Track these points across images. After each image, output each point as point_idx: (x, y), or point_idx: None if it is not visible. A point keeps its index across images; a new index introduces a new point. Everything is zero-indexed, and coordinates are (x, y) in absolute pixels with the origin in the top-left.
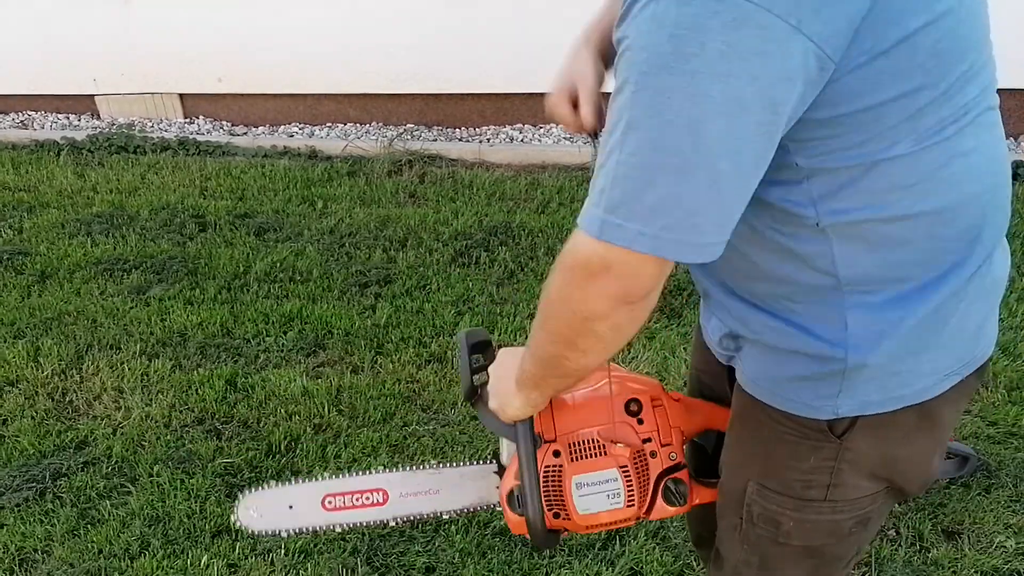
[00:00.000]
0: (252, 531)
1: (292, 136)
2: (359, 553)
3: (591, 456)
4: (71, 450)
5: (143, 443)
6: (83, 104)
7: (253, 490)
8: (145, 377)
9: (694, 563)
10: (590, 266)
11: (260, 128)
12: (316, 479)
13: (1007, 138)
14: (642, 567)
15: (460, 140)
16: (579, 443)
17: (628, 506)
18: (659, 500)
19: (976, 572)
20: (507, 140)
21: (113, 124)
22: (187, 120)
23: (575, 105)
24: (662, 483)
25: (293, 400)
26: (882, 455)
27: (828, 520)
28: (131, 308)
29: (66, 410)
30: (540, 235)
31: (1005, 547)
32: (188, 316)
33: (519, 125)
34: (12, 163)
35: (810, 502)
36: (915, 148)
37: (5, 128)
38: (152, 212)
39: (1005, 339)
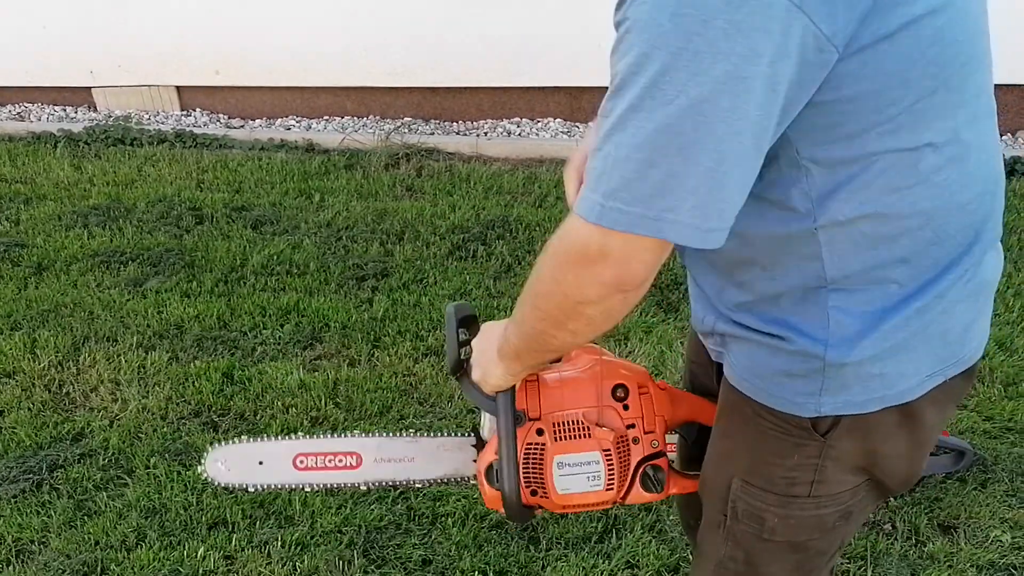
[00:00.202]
0: (218, 483)
1: (289, 129)
2: (355, 545)
3: (575, 437)
4: (68, 442)
5: (140, 435)
6: (80, 96)
7: (222, 443)
8: (142, 369)
9: (690, 556)
10: (587, 253)
11: (257, 121)
12: (289, 438)
13: (1004, 134)
14: (638, 560)
15: (457, 134)
16: (563, 423)
17: (607, 489)
18: (636, 486)
19: (972, 566)
20: (504, 134)
21: (110, 116)
22: (184, 112)
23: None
24: (641, 469)
25: (290, 393)
26: (864, 450)
27: (812, 515)
28: (128, 300)
29: (63, 402)
30: (537, 229)
31: (1001, 541)
32: (185, 308)
33: (516, 119)
34: (9, 155)
35: (794, 498)
36: (915, 144)
37: (2, 120)
38: (149, 204)
39: (1001, 334)
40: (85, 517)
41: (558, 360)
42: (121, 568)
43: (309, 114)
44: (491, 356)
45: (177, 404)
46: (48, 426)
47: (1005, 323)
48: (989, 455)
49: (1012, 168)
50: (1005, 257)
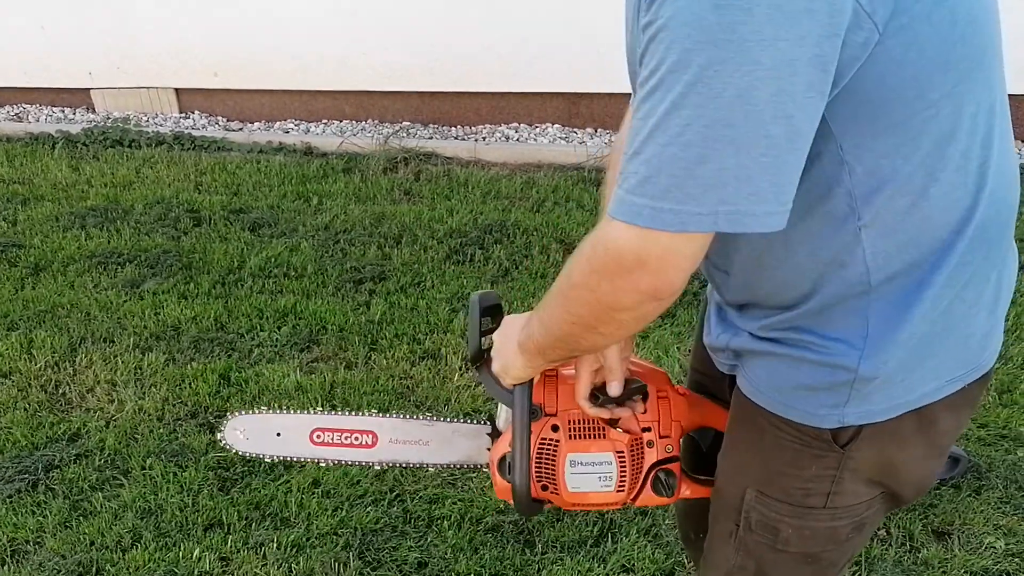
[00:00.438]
0: (236, 451)
1: (288, 132)
2: (351, 548)
3: (590, 436)
4: (64, 442)
5: (136, 436)
6: (78, 97)
7: (243, 412)
8: (138, 370)
9: (685, 561)
10: (623, 260)
11: (256, 124)
12: (308, 412)
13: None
14: (634, 564)
15: (456, 138)
16: (579, 421)
17: (618, 491)
18: (647, 489)
19: (966, 572)
20: (503, 139)
21: (108, 118)
22: (182, 115)
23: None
24: (653, 473)
25: (287, 395)
26: (881, 460)
27: (827, 527)
28: (125, 301)
29: (59, 402)
30: (535, 234)
31: (994, 548)
32: (182, 310)
33: (515, 124)
34: (7, 155)
35: (810, 509)
36: (953, 129)
37: (0, 120)
38: (147, 206)
39: None
40: (81, 517)
41: None
42: (116, 569)
43: (307, 117)
44: (512, 349)
45: (173, 405)
46: (44, 426)
47: None
48: (983, 462)
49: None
50: None
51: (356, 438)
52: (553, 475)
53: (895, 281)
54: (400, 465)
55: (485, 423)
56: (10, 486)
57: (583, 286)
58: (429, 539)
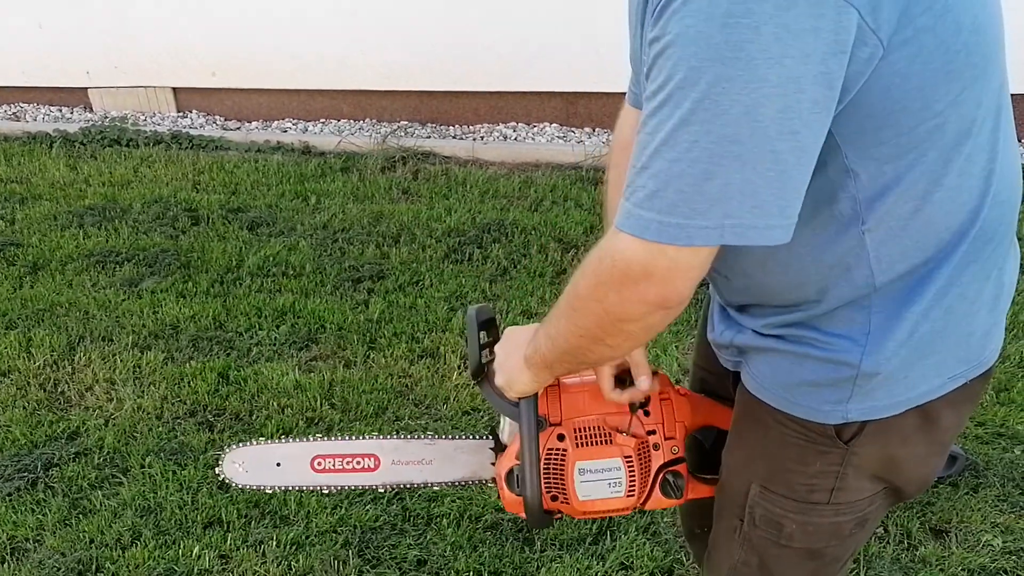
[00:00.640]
0: (236, 484)
1: (285, 131)
2: (351, 545)
3: (596, 443)
4: (63, 440)
5: (135, 434)
6: (76, 97)
7: (240, 444)
8: (137, 369)
9: (684, 558)
10: (630, 272)
11: (253, 123)
12: (307, 439)
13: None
14: (632, 561)
15: (454, 137)
16: (584, 429)
17: (628, 496)
18: (656, 492)
19: (963, 570)
20: (501, 138)
21: (106, 117)
22: (180, 114)
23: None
24: (661, 475)
25: (285, 393)
26: (884, 456)
27: (830, 522)
28: (123, 300)
29: (58, 401)
30: (533, 233)
31: (992, 545)
32: (180, 309)
33: (513, 123)
34: (4, 155)
35: (814, 505)
36: (959, 135)
37: None
38: (145, 205)
39: None
40: (80, 515)
41: None
42: (116, 566)
43: (306, 116)
44: (517, 363)
45: (172, 404)
46: (43, 425)
47: None
48: (981, 460)
49: None
50: None
51: (358, 462)
52: (563, 485)
53: (898, 281)
54: (404, 486)
55: (487, 437)
56: (10, 484)
57: (590, 298)
58: (428, 537)
